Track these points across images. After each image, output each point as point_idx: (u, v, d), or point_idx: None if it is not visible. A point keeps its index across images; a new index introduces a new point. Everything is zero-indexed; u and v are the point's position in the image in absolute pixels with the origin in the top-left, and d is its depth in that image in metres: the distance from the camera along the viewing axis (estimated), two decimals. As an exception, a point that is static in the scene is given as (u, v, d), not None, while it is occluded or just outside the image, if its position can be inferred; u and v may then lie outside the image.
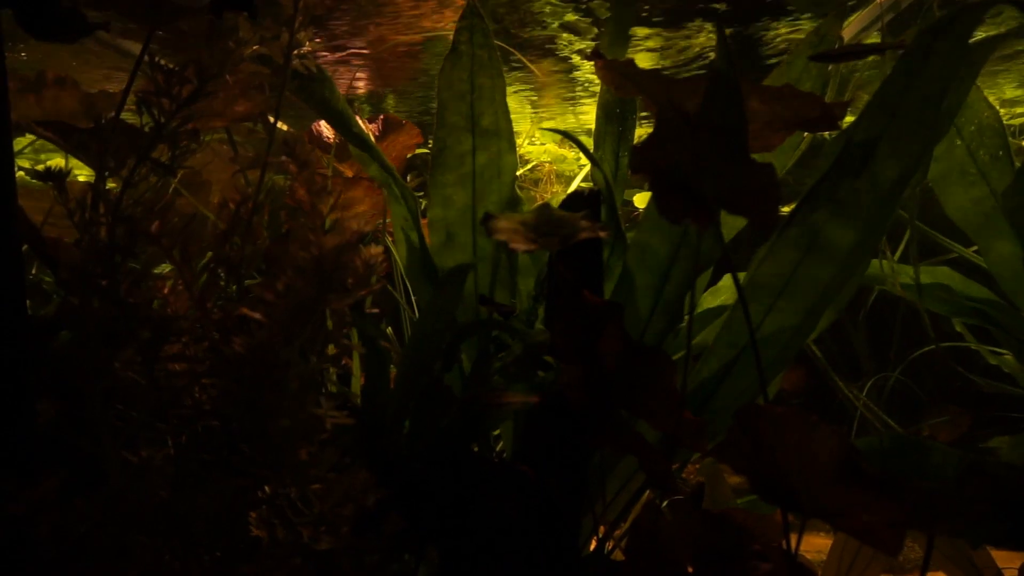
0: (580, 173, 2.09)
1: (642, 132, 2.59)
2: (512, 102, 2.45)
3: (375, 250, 0.99)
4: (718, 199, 0.88)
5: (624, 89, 1.03)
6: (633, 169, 0.88)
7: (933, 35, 0.90)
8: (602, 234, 0.99)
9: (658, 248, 1.14)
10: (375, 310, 1.32)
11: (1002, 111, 2.55)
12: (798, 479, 0.87)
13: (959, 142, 1.46)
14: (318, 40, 1.70)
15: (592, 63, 1.59)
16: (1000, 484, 0.84)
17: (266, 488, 0.93)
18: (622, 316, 0.97)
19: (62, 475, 0.91)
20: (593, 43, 1.94)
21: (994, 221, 1.45)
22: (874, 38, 1.91)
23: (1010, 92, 2.57)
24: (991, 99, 1.46)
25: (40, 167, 2.18)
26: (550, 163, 2.54)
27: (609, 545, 1.23)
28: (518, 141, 1.34)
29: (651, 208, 1.18)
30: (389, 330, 1.75)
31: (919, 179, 1.30)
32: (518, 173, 1.37)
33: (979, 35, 1.96)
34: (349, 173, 1.72)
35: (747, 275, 1.14)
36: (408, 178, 2.47)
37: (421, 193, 2.51)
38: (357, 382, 1.37)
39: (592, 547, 1.22)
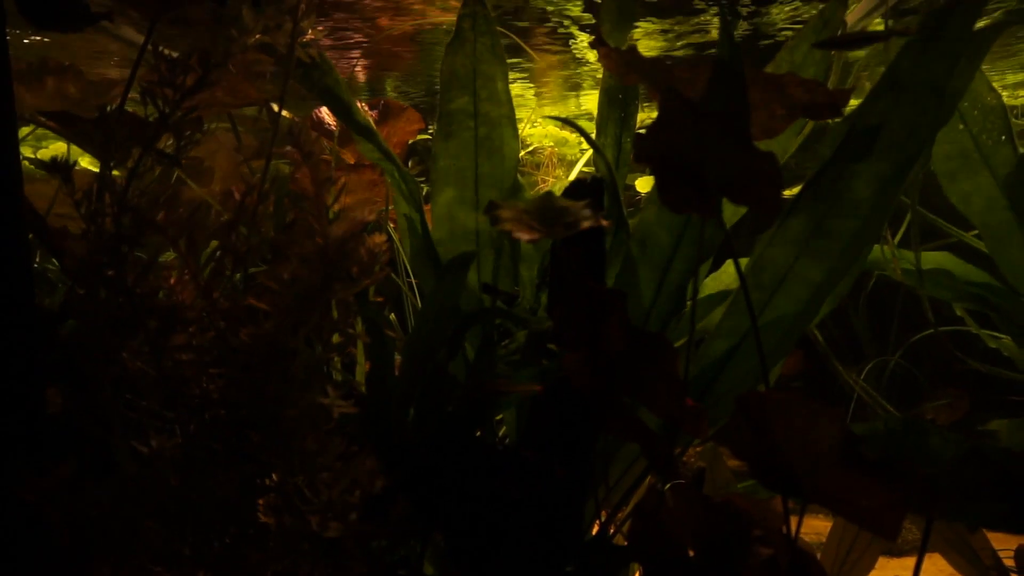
0: (583, 157, 2.09)
1: (644, 116, 2.58)
2: (514, 87, 2.44)
3: (378, 239, 1.00)
4: (720, 187, 0.88)
5: (627, 77, 1.03)
6: (637, 158, 0.89)
7: (938, 21, 0.90)
8: (604, 223, 0.99)
9: (661, 235, 1.15)
10: (379, 299, 1.32)
11: (1005, 94, 2.55)
12: (798, 465, 0.88)
13: (962, 127, 1.46)
14: (320, 29, 1.70)
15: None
16: (998, 469, 0.85)
17: (273, 475, 0.95)
18: (625, 304, 0.98)
19: (73, 463, 0.93)
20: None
21: (996, 206, 1.46)
22: (878, 22, 1.90)
23: (1012, 78, 2.56)
24: (997, 85, 1.46)
25: (41, 152, 2.18)
26: (552, 146, 2.54)
27: (611, 529, 1.25)
28: (519, 125, 1.34)
29: (654, 195, 1.18)
30: (392, 316, 1.76)
31: (922, 164, 1.30)
32: (519, 157, 1.37)
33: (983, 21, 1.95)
34: (351, 159, 1.73)
35: (750, 262, 1.14)
36: (410, 164, 2.47)
37: (423, 179, 2.51)
38: (361, 370, 1.38)
39: (595, 530, 1.24)
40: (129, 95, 1.13)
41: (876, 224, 1.06)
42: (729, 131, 0.88)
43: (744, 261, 1.18)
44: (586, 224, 0.99)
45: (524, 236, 0.97)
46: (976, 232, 1.60)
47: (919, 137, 0.95)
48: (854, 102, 1.08)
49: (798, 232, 1.07)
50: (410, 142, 1.81)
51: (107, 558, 0.91)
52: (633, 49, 0.98)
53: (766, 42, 2.17)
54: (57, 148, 2.02)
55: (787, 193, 2.71)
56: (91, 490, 0.91)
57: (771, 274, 1.11)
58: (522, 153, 2.55)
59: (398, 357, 1.29)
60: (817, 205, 1.05)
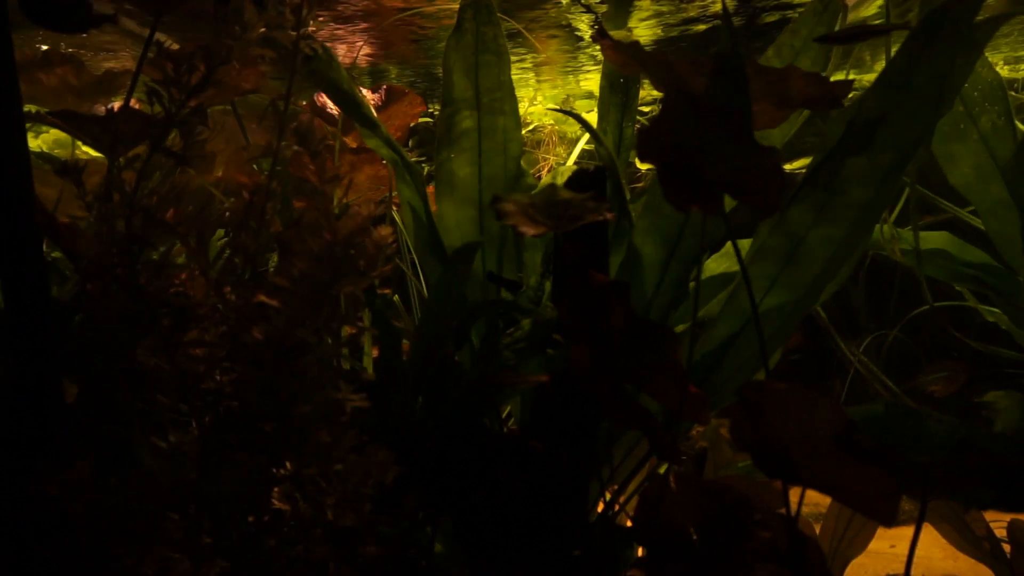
0: (583, 136, 2.10)
1: (645, 94, 2.57)
2: (514, 67, 2.43)
3: (384, 230, 1.01)
4: (723, 184, 0.90)
5: (630, 69, 1.04)
6: (641, 157, 0.90)
7: (939, 16, 0.90)
8: (608, 216, 1.01)
9: (664, 226, 1.16)
10: (386, 291, 1.34)
11: (1006, 68, 2.53)
12: (797, 453, 0.91)
13: (961, 108, 1.46)
14: (321, 19, 1.69)
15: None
16: (991, 456, 0.88)
17: (287, 465, 0.97)
18: (628, 295, 1.00)
19: (92, 457, 0.96)
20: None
21: (994, 187, 1.47)
22: (879, 4, 1.89)
23: (1011, 53, 2.54)
24: (998, 57, 1.46)
25: (43, 137, 2.16)
26: (552, 124, 2.53)
27: (616, 507, 1.28)
28: (520, 104, 1.35)
29: (657, 188, 1.20)
30: (396, 297, 1.77)
31: (923, 150, 1.31)
32: (522, 142, 1.38)
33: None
34: (353, 144, 1.73)
35: (751, 249, 1.16)
36: (410, 143, 2.47)
37: (425, 158, 2.50)
38: (368, 357, 1.41)
39: (599, 509, 1.27)
40: (119, 88, 1.13)
41: (876, 212, 1.08)
42: (731, 127, 0.89)
43: (747, 243, 1.20)
44: (590, 218, 1.01)
45: (529, 231, 0.99)
46: (972, 208, 1.62)
47: (919, 129, 0.96)
48: (853, 77, 1.08)
49: (799, 221, 1.09)
50: (411, 125, 1.81)
51: (130, 548, 0.94)
52: (636, 43, 0.99)
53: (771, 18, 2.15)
54: (57, 134, 2.02)
55: (787, 167, 2.71)
56: (112, 483, 0.94)
57: (772, 261, 1.13)
58: (523, 131, 2.54)
59: (405, 342, 1.32)
60: (817, 195, 1.06)
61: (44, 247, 1.54)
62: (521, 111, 1.37)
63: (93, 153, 1.87)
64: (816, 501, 2.12)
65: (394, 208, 1.78)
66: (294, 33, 1.01)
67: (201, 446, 0.97)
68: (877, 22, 2.00)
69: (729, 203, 1.29)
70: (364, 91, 1.64)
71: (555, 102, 2.63)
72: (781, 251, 1.11)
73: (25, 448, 1.04)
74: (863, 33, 0.94)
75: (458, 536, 1.08)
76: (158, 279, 0.97)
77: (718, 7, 1.99)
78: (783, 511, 1.00)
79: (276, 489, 0.97)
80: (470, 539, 1.09)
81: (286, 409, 0.94)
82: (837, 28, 1.22)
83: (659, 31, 2.16)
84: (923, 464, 0.90)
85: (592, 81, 2.56)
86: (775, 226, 1.09)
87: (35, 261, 1.03)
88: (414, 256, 1.61)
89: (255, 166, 1.60)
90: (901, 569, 1.03)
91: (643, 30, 2.19)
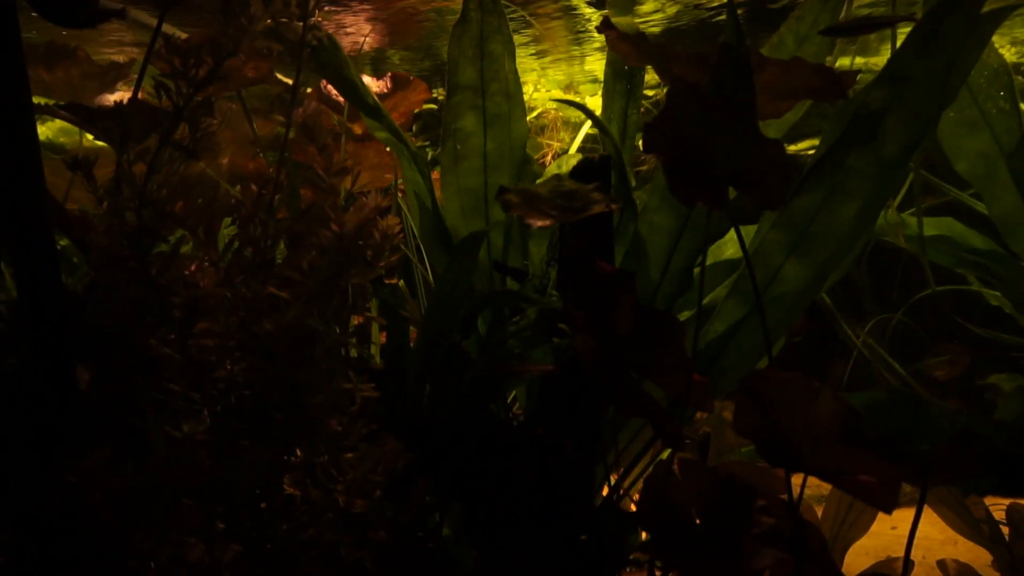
0: (587, 121, 2.09)
1: (651, 78, 2.55)
2: (518, 52, 2.41)
3: (391, 220, 1.02)
4: (728, 178, 0.90)
5: (634, 61, 1.04)
6: (646, 149, 0.91)
7: (944, 10, 0.90)
8: (613, 207, 1.02)
9: (669, 215, 1.17)
10: (394, 280, 1.36)
11: (1012, 50, 2.51)
12: (800, 442, 0.92)
13: (966, 93, 1.46)
14: (327, 8, 1.68)
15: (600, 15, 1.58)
16: (991, 445, 0.89)
17: (299, 452, 0.99)
18: (634, 284, 1.01)
19: (108, 447, 0.97)
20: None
21: (999, 173, 1.47)
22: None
23: (1020, 33, 2.52)
24: (1004, 40, 1.46)
25: (49, 125, 2.16)
26: (556, 109, 2.53)
27: (621, 491, 1.30)
28: (524, 88, 1.35)
29: (662, 179, 1.20)
30: (401, 283, 1.79)
31: (926, 140, 1.31)
32: (527, 131, 1.38)
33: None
34: (358, 131, 1.74)
35: (756, 236, 1.17)
36: (413, 128, 2.47)
37: (429, 143, 2.50)
38: (375, 345, 1.42)
39: (605, 492, 1.29)
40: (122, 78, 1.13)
41: (880, 202, 1.08)
42: (735, 121, 0.90)
43: (752, 229, 1.20)
44: (596, 209, 1.02)
45: (537, 223, 1.00)
46: (973, 191, 1.62)
47: (924, 121, 0.97)
48: (859, 61, 1.08)
49: (804, 212, 1.09)
50: (416, 111, 1.81)
51: (147, 534, 0.96)
52: (641, 35, 0.99)
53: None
54: (63, 122, 2.02)
55: (791, 149, 2.69)
56: (128, 471, 0.96)
57: (777, 251, 1.13)
58: (527, 117, 2.52)
59: (412, 330, 1.33)
60: (822, 185, 1.07)
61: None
62: (525, 96, 1.37)
63: (99, 142, 1.88)
64: (819, 483, 2.14)
65: (399, 194, 1.79)
66: (303, 27, 1.01)
67: (214, 434, 0.99)
68: (882, 9, 1.99)
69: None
70: (369, 79, 1.65)
71: (559, 86, 2.62)
72: (785, 241, 1.11)
73: (40, 436, 1.06)
74: (868, 25, 0.94)
75: (466, 521, 1.11)
76: (168, 271, 0.99)
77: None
78: (785, 496, 1.02)
79: (288, 476, 0.99)
80: (478, 524, 1.12)
81: (297, 398, 0.95)
82: (842, 16, 1.22)
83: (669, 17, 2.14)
84: (924, 452, 0.91)
85: (596, 63, 2.55)
86: (780, 215, 1.10)
87: (47, 252, 1.04)
88: (419, 242, 1.62)
89: (260, 154, 1.61)
90: (901, 551, 1.05)
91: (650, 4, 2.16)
